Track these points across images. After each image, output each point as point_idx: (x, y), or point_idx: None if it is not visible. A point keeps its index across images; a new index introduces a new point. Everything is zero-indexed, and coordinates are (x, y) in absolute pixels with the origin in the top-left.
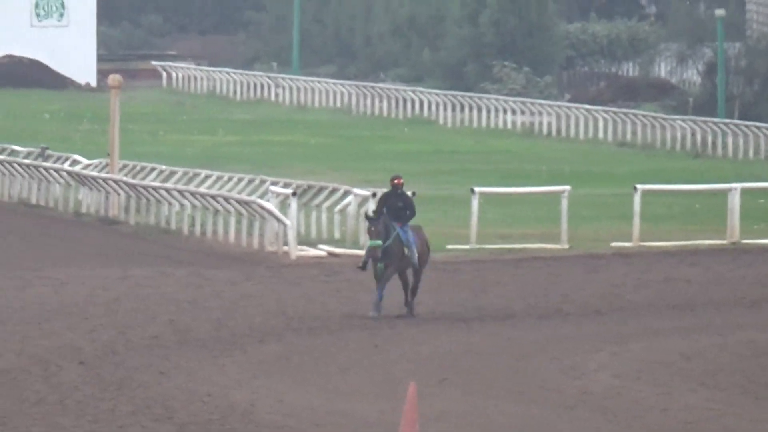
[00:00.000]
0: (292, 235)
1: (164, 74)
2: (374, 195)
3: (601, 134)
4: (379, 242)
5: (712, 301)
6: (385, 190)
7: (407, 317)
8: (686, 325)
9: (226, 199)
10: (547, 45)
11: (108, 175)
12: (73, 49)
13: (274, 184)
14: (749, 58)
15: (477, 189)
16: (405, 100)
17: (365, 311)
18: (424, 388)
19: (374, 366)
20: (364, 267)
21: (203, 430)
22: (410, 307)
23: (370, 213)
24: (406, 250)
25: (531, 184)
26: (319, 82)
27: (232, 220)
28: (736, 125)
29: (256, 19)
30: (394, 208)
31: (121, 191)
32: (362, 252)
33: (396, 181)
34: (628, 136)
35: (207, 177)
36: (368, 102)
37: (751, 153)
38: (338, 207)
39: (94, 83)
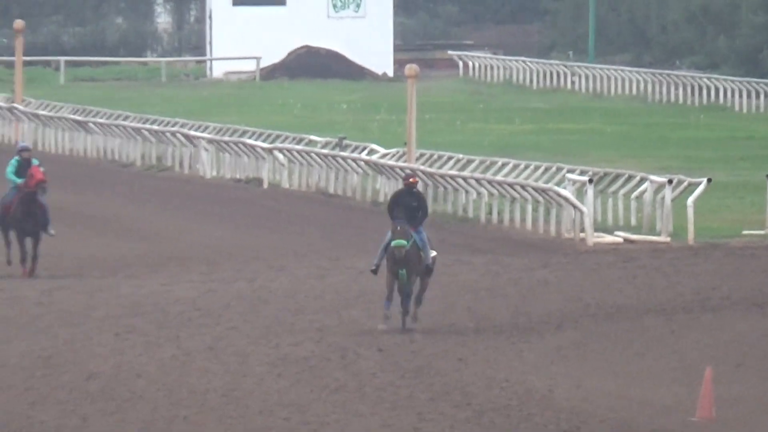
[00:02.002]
0: (588, 222)
1: (461, 64)
2: (670, 182)
3: None
4: (404, 242)
5: None
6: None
7: (409, 326)
8: None
9: (523, 187)
10: None
11: (405, 164)
12: (369, 40)
13: (570, 171)
14: None
15: None
16: (700, 88)
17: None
18: (720, 373)
19: (670, 351)
20: (376, 271)
21: (502, 415)
22: (414, 316)
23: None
24: (422, 254)
25: None
26: (615, 70)
27: (529, 208)
28: None
29: (552, 8)
30: (408, 207)
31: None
32: (658, 238)
33: (411, 180)
34: None
35: (504, 165)
36: (663, 89)
37: None
38: (635, 194)
39: (390, 73)
